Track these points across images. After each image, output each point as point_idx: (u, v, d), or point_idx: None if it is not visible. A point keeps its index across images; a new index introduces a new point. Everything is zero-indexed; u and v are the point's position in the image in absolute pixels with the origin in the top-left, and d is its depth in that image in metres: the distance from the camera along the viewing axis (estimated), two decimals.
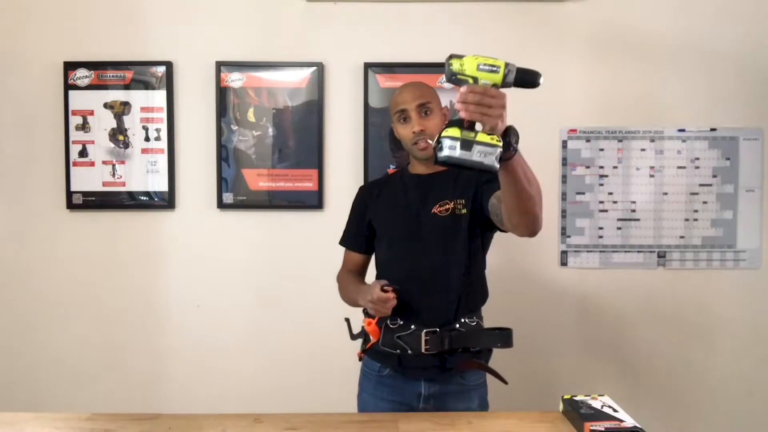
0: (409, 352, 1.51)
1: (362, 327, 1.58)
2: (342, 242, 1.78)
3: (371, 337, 1.55)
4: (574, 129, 2.35)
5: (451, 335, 1.52)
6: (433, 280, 1.54)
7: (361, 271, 1.76)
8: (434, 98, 1.62)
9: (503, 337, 1.55)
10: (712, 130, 2.35)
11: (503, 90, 1.17)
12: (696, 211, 2.36)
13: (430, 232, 1.56)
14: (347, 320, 1.61)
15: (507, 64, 1.16)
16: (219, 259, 2.37)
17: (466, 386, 1.58)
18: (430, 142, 1.53)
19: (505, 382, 1.57)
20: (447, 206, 1.56)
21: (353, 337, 1.61)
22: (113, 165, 2.34)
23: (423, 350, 1.50)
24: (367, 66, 2.31)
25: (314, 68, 2.32)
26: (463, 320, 1.55)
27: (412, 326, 1.52)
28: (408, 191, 1.63)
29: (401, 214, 1.61)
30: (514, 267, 2.35)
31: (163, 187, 2.35)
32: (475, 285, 1.60)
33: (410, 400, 1.57)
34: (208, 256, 2.37)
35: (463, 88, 1.14)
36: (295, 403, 2.30)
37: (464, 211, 1.56)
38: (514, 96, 2.37)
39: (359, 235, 1.72)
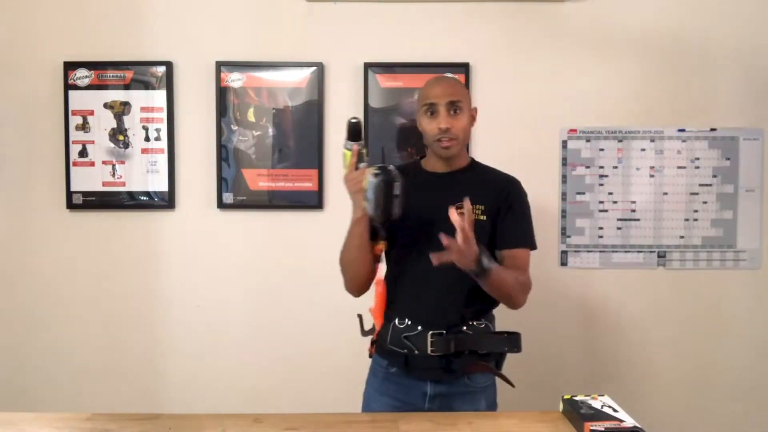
0: (416, 352, 1.51)
1: (373, 325, 1.59)
2: None
3: (374, 318, 1.56)
4: (574, 129, 2.35)
5: (457, 337, 1.51)
6: (445, 282, 1.52)
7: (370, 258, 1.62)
8: (466, 98, 1.59)
9: (511, 341, 1.55)
10: (712, 130, 2.35)
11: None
12: (696, 211, 2.36)
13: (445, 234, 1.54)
14: (360, 316, 1.62)
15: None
16: (219, 259, 2.37)
17: (473, 388, 1.57)
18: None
19: (512, 385, 1.57)
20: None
21: (364, 333, 1.62)
22: (113, 165, 2.34)
23: (429, 351, 1.50)
24: (367, 66, 2.31)
25: (314, 68, 2.32)
26: (471, 323, 1.54)
27: (419, 327, 1.51)
28: (425, 189, 1.58)
29: (418, 213, 1.55)
30: None
31: (163, 187, 2.35)
32: (485, 293, 1.55)
33: (415, 400, 1.56)
34: (208, 256, 2.37)
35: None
36: (295, 403, 2.30)
37: (483, 217, 1.54)
38: (514, 96, 2.40)
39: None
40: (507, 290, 1.49)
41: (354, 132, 1.52)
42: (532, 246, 1.61)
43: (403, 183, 1.45)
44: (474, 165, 1.66)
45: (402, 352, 1.53)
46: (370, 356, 1.65)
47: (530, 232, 1.61)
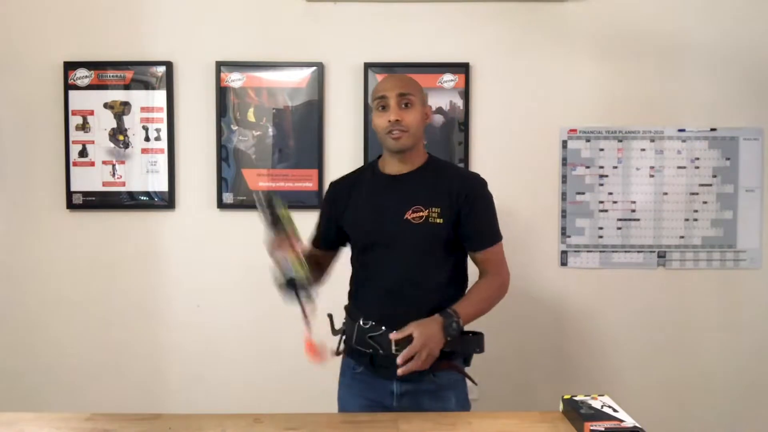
0: (381, 352, 1.51)
1: (343, 322, 1.61)
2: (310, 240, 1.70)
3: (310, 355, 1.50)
4: (574, 129, 2.35)
5: None
6: (406, 290, 1.52)
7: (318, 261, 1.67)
8: (417, 92, 1.55)
9: (474, 341, 1.55)
10: (712, 130, 2.35)
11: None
12: (696, 211, 2.36)
13: (403, 240, 1.52)
14: (330, 316, 1.61)
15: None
16: (219, 259, 2.37)
17: (440, 385, 1.55)
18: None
19: (475, 383, 1.58)
20: (421, 213, 1.51)
21: (335, 332, 1.62)
22: (113, 165, 2.34)
23: (393, 351, 1.48)
24: (367, 66, 2.31)
25: (314, 68, 2.32)
26: None
27: (383, 327, 1.51)
28: (380, 193, 1.58)
29: (374, 218, 1.56)
30: (514, 267, 2.32)
31: (163, 187, 2.35)
32: (450, 293, 1.55)
33: (383, 398, 1.56)
34: (208, 256, 2.37)
35: None
36: (295, 403, 2.29)
37: (439, 220, 1.51)
38: (514, 96, 2.40)
39: (325, 238, 1.68)
40: (487, 310, 1.57)
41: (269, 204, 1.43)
42: (500, 238, 1.61)
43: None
44: (430, 163, 1.60)
45: (367, 352, 1.54)
46: (338, 354, 1.64)
47: (496, 227, 1.60)
